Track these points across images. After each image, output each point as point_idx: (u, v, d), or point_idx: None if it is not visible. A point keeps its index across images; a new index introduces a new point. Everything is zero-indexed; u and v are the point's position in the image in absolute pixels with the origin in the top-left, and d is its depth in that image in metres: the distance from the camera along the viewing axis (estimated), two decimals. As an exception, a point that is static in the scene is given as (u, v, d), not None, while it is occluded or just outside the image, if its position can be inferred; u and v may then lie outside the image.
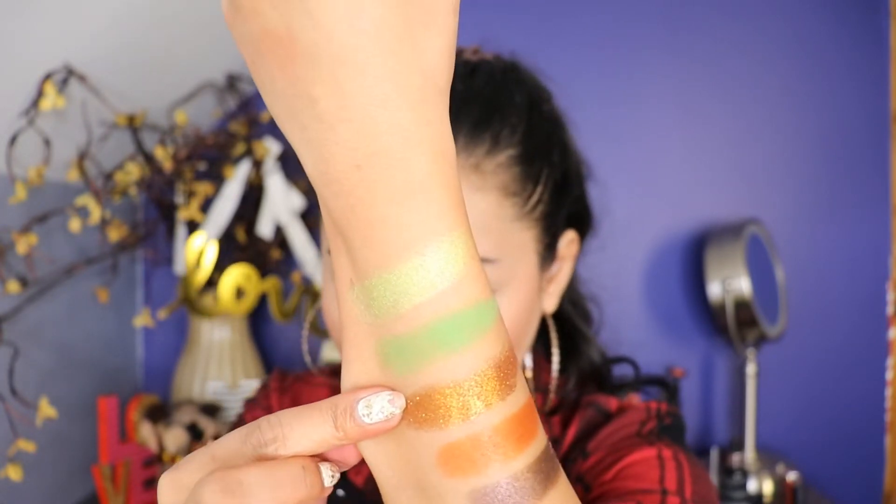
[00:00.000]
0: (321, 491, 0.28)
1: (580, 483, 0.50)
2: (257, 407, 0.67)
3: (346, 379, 0.29)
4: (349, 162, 0.25)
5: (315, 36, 0.24)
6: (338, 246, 0.28)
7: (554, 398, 0.58)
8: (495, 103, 0.51)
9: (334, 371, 0.69)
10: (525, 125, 0.51)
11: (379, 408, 0.27)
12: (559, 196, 0.54)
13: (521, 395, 0.28)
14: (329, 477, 0.28)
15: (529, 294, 0.51)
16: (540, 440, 0.28)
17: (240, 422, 0.67)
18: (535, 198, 0.51)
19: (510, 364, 0.28)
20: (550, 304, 0.56)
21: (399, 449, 0.28)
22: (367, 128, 0.25)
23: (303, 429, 0.27)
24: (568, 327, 0.61)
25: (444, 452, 0.27)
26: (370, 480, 0.56)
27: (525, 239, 0.51)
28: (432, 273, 0.26)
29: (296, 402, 0.66)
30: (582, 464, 0.51)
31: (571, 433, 0.54)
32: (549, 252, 0.54)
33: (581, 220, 0.60)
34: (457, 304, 0.26)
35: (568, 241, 0.57)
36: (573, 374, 0.59)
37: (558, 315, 0.61)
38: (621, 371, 0.64)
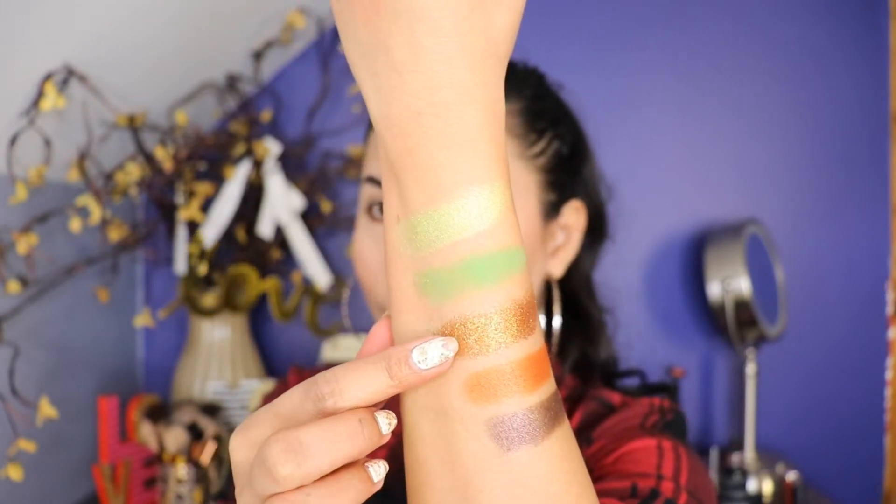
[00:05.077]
0: (380, 440, 0.29)
1: None
2: (274, 398, 0.69)
3: (390, 304, 0.32)
4: (411, 109, 0.28)
5: None
6: (390, 185, 0.31)
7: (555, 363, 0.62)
8: (507, 71, 0.58)
9: None
10: (532, 91, 0.59)
11: (434, 353, 0.29)
12: (567, 164, 0.60)
13: (538, 339, 0.31)
14: (386, 425, 0.30)
15: (528, 237, 0.56)
16: (551, 383, 0.31)
17: None
18: (536, 148, 0.57)
19: (531, 309, 0.31)
20: (557, 269, 0.61)
21: None
22: (431, 80, 0.28)
23: (358, 381, 0.29)
24: (583, 314, 0.64)
25: (471, 380, 0.30)
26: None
27: (526, 180, 0.56)
28: (472, 215, 0.29)
29: None
30: (586, 450, 0.53)
31: (575, 422, 0.57)
32: (552, 209, 0.59)
33: (595, 215, 0.64)
34: (490, 246, 0.29)
35: (573, 208, 0.61)
36: (575, 351, 0.63)
37: (570, 296, 0.64)
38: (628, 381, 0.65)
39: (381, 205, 0.56)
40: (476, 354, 0.29)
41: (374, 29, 0.28)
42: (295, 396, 0.30)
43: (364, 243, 0.57)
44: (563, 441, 0.31)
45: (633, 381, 0.64)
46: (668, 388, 0.63)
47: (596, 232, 0.65)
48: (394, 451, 0.57)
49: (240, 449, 0.31)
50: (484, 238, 0.29)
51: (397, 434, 0.56)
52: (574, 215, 0.61)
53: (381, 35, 0.28)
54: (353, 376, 0.29)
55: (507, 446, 0.29)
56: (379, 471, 0.30)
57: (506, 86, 0.56)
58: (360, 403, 0.29)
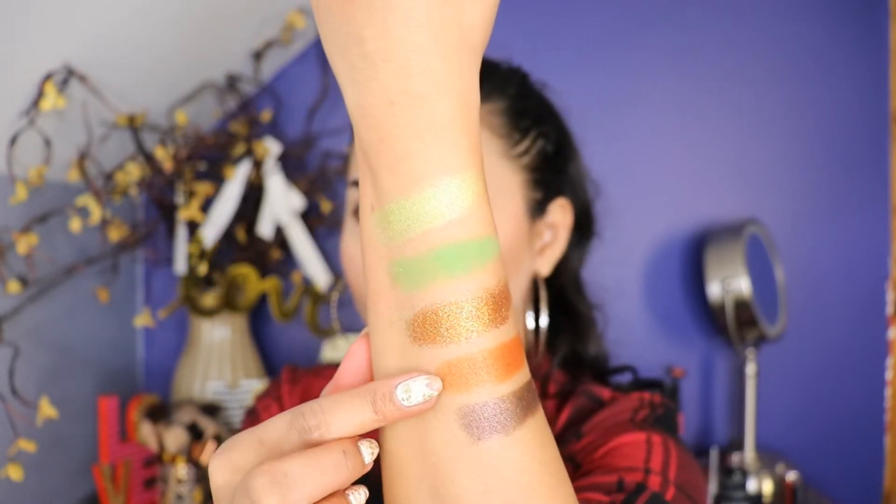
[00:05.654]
0: (363, 469, 0.30)
1: (571, 462, 0.52)
2: (268, 397, 0.70)
3: (367, 295, 0.32)
4: (384, 98, 0.29)
5: None
6: (365, 176, 0.31)
7: (544, 361, 0.62)
8: (493, 69, 0.59)
9: None
10: (516, 90, 0.60)
11: (418, 392, 0.29)
12: (552, 163, 0.60)
13: (511, 329, 0.31)
14: (369, 454, 0.30)
15: (514, 235, 0.56)
16: (525, 373, 0.31)
17: (251, 413, 0.70)
18: (521, 147, 0.58)
19: (504, 298, 0.31)
20: (545, 268, 0.61)
21: (402, 365, 0.31)
22: (403, 69, 0.28)
23: (343, 415, 0.29)
24: (573, 311, 0.65)
25: (442, 368, 0.30)
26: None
27: (510, 180, 0.56)
28: (443, 204, 0.29)
29: (306, 393, 0.70)
30: (575, 444, 0.53)
31: (564, 417, 0.57)
32: (538, 208, 0.59)
33: (582, 213, 0.64)
34: (461, 235, 0.29)
35: (559, 206, 0.61)
36: (565, 348, 0.63)
37: (558, 294, 0.65)
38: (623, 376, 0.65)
39: None
40: (447, 343, 0.29)
41: (349, 19, 0.28)
42: (280, 425, 0.30)
43: (351, 245, 0.58)
44: (535, 431, 0.31)
45: (625, 378, 0.64)
46: (659, 385, 0.63)
47: (583, 230, 0.65)
48: None
49: (221, 472, 0.30)
50: (455, 227, 0.29)
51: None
52: (560, 213, 0.61)
53: (356, 25, 0.28)
54: (339, 410, 0.29)
55: (477, 435, 0.30)
56: (359, 498, 0.31)
57: (489, 85, 0.56)
58: (344, 436, 0.30)
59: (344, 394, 0.30)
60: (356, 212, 0.58)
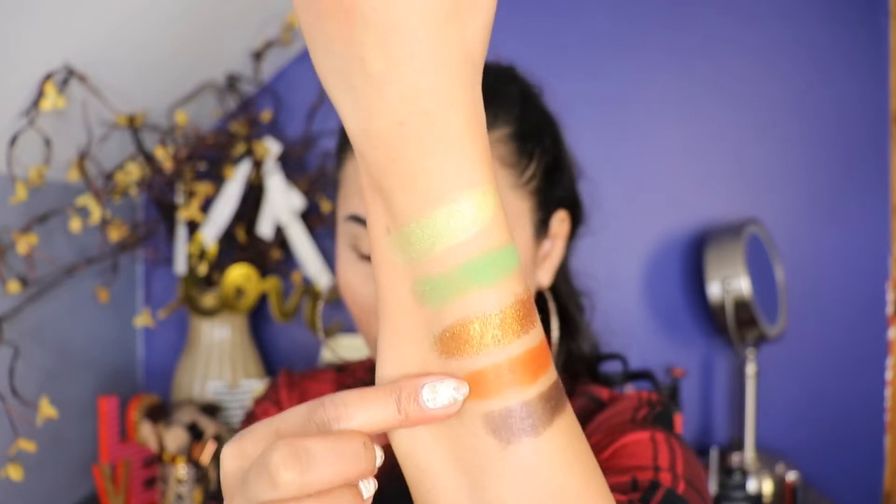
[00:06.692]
0: (373, 471, 0.30)
1: None
2: (267, 401, 0.70)
3: (383, 314, 0.31)
4: (393, 119, 0.28)
5: (374, 3, 0.26)
6: (374, 199, 0.30)
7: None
8: (493, 91, 0.59)
9: (339, 368, 0.73)
10: (518, 110, 0.59)
11: (444, 394, 0.29)
12: (551, 177, 0.60)
13: (537, 334, 0.30)
14: (379, 458, 0.30)
15: (526, 262, 0.56)
16: (551, 374, 0.31)
17: (249, 417, 0.70)
18: (528, 172, 0.57)
19: (530, 304, 0.30)
20: (545, 278, 0.61)
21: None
22: (410, 90, 0.27)
23: (366, 409, 0.29)
24: (563, 311, 0.66)
25: (469, 377, 0.29)
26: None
27: (520, 208, 0.56)
28: (465, 218, 0.28)
29: (304, 396, 0.70)
30: None
31: None
32: (542, 227, 0.59)
33: (573, 207, 0.65)
34: (487, 246, 0.29)
35: (559, 219, 0.61)
36: (562, 352, 0.64)
37: (555, 298, 0.65)
38: (614, 367, 0.66)
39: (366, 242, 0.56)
40: (477, 354, 0.29)
41: (349, 41, 0.27)
42: (298, 415, 0.30)
43: (354, 282, 0.57)
44: (565, 430, 0.31)
45: (616, 367, 0.65)
46: (650, 375, 0.64)
47: (573, 227, 0.65)
48: (385, 451, 0.58)
49: (232, 458, 0.30)
50: (480, 239, 0.29)
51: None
52: (559, 225, 0.61)
53: (356, 47, 0.27)
54: (362, 403, 0.29)
55: (507, 440, 0.29)
56: (369, 487, 0.30)
57: (492, 108, 0.55)
58: (364, 430, 0.29)
59: (368, 389, 0.30)
60: (355, 246, 0.57)
